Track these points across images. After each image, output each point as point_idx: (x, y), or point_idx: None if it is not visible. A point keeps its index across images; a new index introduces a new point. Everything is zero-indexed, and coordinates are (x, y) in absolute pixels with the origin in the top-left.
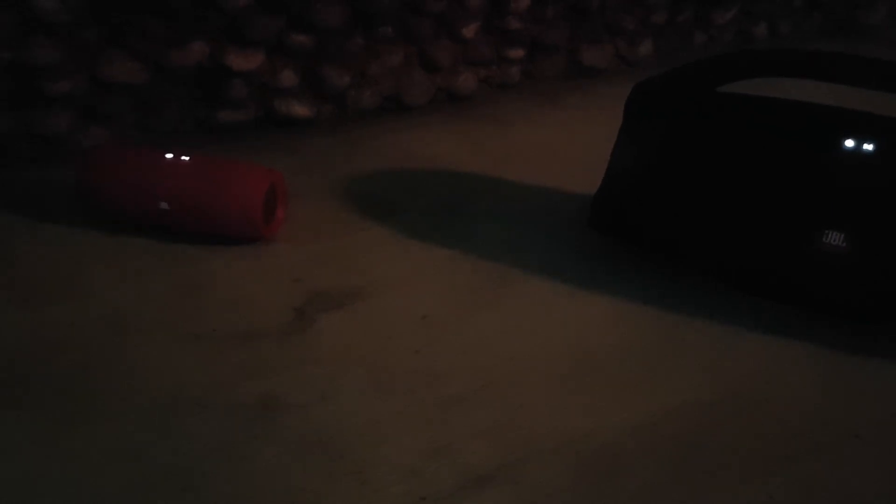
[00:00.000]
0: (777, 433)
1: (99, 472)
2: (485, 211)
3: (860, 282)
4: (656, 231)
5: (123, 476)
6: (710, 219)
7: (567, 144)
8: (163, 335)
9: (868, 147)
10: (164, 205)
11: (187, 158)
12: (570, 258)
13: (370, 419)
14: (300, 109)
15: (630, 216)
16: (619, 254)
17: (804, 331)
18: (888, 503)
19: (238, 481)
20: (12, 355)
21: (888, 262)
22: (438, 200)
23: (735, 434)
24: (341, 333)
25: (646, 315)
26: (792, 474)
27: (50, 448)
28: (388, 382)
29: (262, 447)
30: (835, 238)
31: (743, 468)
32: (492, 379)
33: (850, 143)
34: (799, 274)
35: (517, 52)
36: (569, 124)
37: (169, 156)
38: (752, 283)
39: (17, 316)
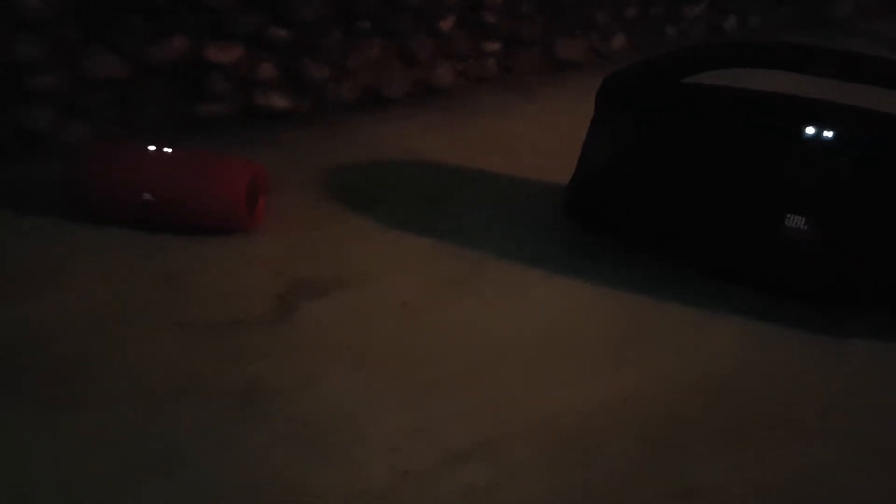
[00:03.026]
0: (746, 410)
1: (89, 455)
2: (463, 201)
3: (824, 265)
4: (627, 219)
5: (113, 458)
6: (679, 206)
7: (542, 135)
8: (149, 325)
9: (827, 134)
10: (147, 195)
11: (170, 151)
12: (545, 246)
13: (353, 402)
14: (280, 102)
15: (602, 205)
16: (593, 241)
17: (773, 313)
18: (852, 472)
19: (226, 463)
20: (1, 346)
21: (849, 244)
22: (417, 191)
23: (705, 411)
24: (324, 321)
25: (619, 300)
26: (760, 448)
27: (41, 432)
28: (369, 367)
29: (248, 430)
30: (797, 222)
31: (712, 443)
32: (470, 362)
33: (810, 130)
34: (765, 258)
35: (493, 46)
36: (544, 116)
37: (152, 149)
38: (721, 268)
39: (4, 309)
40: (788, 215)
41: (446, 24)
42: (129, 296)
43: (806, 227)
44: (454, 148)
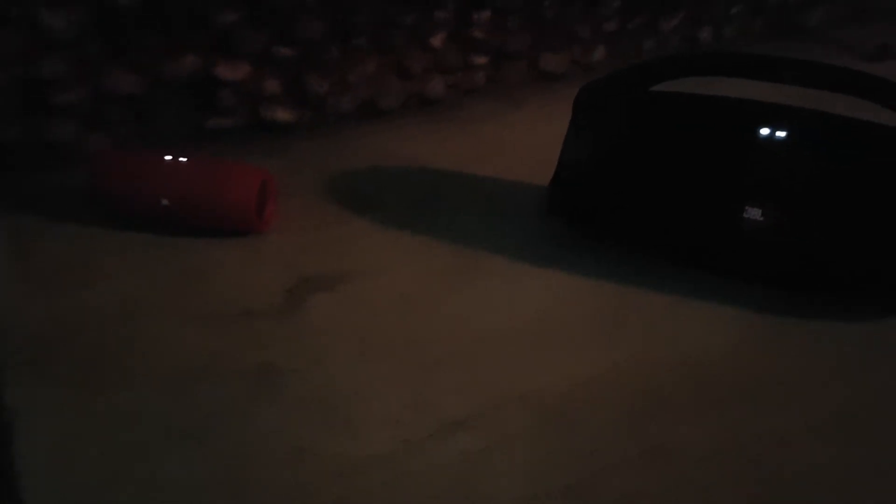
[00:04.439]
0: (712, 383)
1: (121, 429)
2: (457, 203)
3: (780, 253)
4: (603, 215)
5: (143, 432)
6: (649, 202)
7: (529, 141)
8: (169, 316)
9: (780, 134)
10: (164, 201)
11: (187, 160)
12: (533, 241)
13: (358, 381)
14: (284, 115)
15: (580, 202)
16: (576, 236)
17: (741, 299)
18: (805, 436)
19: (245, 433)
20: (35, 336)
21: (802, 233)
22: (414, 194)
23: (677, 385)
24: (330, 311)
25: (600, 288)
26: (724, 415)
27: (75, 412)
28: (372, 350)
29: (263, 406)
30: (754, 213)
31: (682, 412)
32: (465, 345)
33: (764, 131)
34: (728, 247)
35: (481, 60)
36: (530, 124)
37: (169, 158)
38: (689, 257)
39: (37, 303)
40: (747, 207)
41: (437, 40)
42: (152, 291)
43: (762, 217)
44: (447, 154)
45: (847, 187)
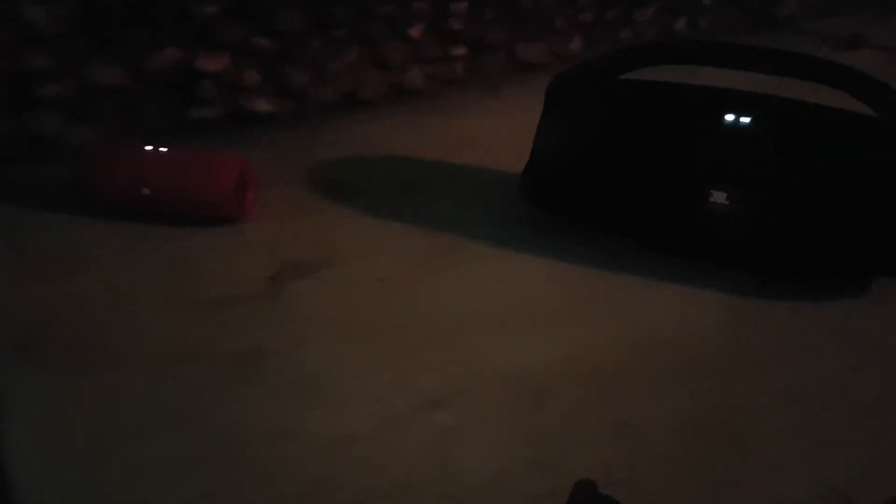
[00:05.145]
0: (683, 361)
1: (111, 411)
2: (434, 190)
3: (745, 236)
4: (574, 199)
5: (132, 413)
6: (617, 186)
7: (506, 131)
8: (155, 302)
9: (744, 120)
10: (145, 191)
11: (166, 150)
12: (511, 227)
13: (339, 362)
14: (264, 106)
15: (551, 188)
16: (550, 221)
17: (706, 281)
18: (766, 407)
19: (230, 412)
20: (26, 323)
21: (766, 217)
22: (393, 182)
23: (644, 362)
24: (311, 296)
25: (573, 271)
26: (688, 390)
27: (64, 394)
28: (353, 333)
29: (248, 386)
30: (719, 197)
31: (653, 389)
32: (443, 327)
33: (729, 117)
34: (695, 230)
35: (460, 50)
36: (508, 113)
37: (150, 149)
38: (659, 241)
39: (27, 291)
40: (712, 192)
41: (415, 31)
42: (139, 278)
43: (728, 201)
44: (426, 143)
45: (810, 172)
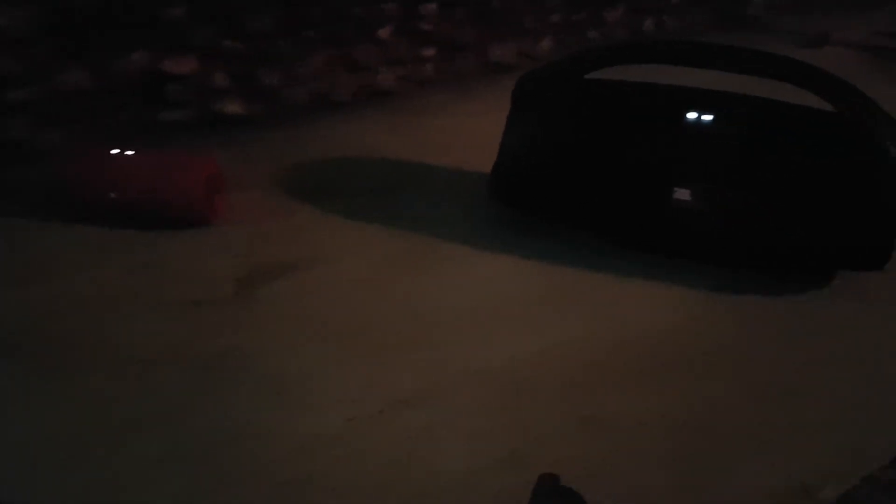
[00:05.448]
0: (648, 356)
1: (82, 415)
2: (407, 190)
3: (709, 231)
4: (541, 197)
5: (100, 418)
6: (584, 184)
7: (478, 130)
8: (126, 306)
9: (706, 118)
10: (112, 195)
11: (134, 153)
12: (484, 226)
13: (312, 363)
14: (234, 108)
15: (519, 186)
16: (523, 220)
17: (675, 277)
18: (735, 402)
19: (200, 415)
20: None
21: (729, 212)
22: (366, 184)
23: (614, 359)
24: (284, 297)
25: (545, 268)
26: (657, 385)
27: (37, 398)
28: (326, 334)
29: (219, 389)
30: (683, 194)
31: (620, 383)
32: (416, 327)
33: (691, 115)
34: (660, 227)
35: (430, 52)
36: (479, 114)
37: (116, 152)
38: (626, 237)
39: (0, 295)
40: (676, 188)
41: (385, 32)
42: (110, 282)
43: (691, 198)
44: (399, 144)
45: (771, 168)
